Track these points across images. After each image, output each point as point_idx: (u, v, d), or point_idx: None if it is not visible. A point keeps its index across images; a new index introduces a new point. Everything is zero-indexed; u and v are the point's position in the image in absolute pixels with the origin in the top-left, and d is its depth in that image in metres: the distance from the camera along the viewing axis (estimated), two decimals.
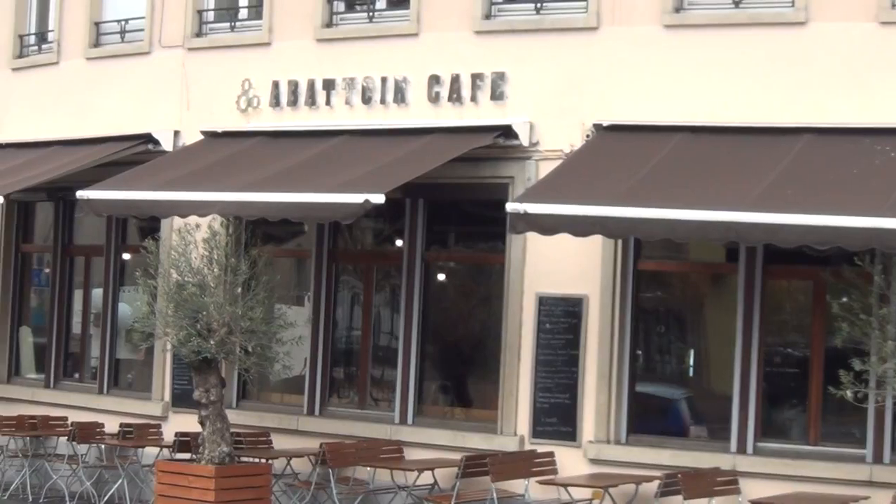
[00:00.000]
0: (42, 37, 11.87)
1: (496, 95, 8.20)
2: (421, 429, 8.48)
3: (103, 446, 9.54)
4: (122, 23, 10.69)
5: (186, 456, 8.26)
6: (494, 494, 7.13)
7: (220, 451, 7.70)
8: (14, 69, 11.64)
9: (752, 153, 7.02)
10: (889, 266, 6.40)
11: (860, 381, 5.95)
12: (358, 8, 9.41)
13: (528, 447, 7.84)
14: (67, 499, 9.17)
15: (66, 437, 9.39)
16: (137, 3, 10.51)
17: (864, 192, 6.08)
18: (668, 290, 8.78)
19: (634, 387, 7.87)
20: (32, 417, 10.00)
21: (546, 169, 7.69)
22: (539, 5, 8.20)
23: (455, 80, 8.34)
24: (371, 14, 9.09)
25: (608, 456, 7.57)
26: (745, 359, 7.38)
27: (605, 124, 7.61)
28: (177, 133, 9.88)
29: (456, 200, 8.92)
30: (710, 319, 8.44)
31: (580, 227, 6.58)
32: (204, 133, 9.53)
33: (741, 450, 7.31)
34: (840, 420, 7.26)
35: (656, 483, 6.79)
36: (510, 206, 6.75)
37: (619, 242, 7.58)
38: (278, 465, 8.47)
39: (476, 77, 8.26)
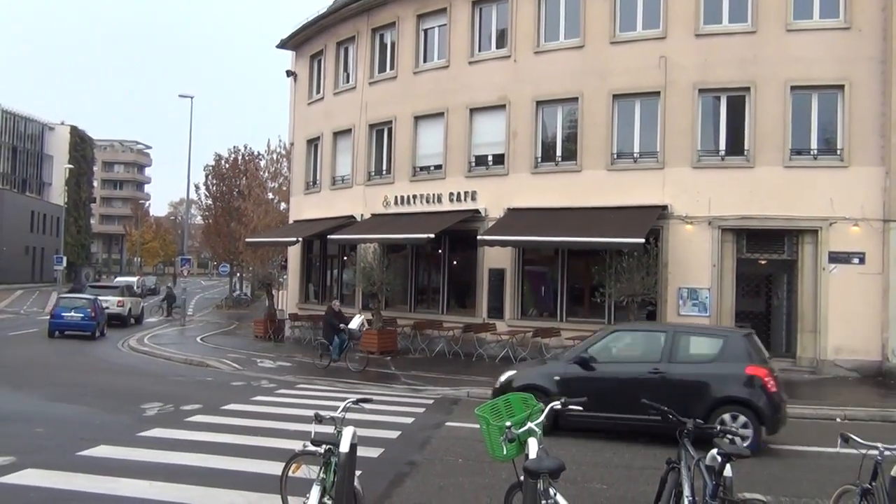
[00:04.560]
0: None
1: (475, 198, 22.53)
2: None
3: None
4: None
5: (368, 327, 22.69)
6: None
7: (379, 324, 22.09)
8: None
9: (562, 217, 21.03)
10: (613, 256, 20.26)
11: (603, 296, 19.70)
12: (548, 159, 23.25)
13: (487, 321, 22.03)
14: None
15: None
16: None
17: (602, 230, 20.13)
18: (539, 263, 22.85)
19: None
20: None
21: (490, 223, 21.90)
22: (487, 168, 22.63)
23: (461, 194, 22.72)
24: (556, 163, 22.38)
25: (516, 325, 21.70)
26: (561, 290, 21.48)
27: (511, 207, 21.78)
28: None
29: (459, 235, 23.10)
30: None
31: (501, 244, 20.72)
32: (373, 215, 24.46)
33: (561, 319, 21.31)
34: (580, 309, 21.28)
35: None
36: (479, 237, 20.96)
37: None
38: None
39: (468, 193, 22.61)
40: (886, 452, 4.91)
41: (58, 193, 76.25)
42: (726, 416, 10.14)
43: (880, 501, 4.77)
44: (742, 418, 10.09)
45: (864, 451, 4.99)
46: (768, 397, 10.17)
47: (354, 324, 18.98)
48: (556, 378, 11.09)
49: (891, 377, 17.67)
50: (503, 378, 11.65)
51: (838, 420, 13.12)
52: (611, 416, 10.67)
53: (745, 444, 8.59)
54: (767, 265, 19.95)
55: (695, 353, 11.08)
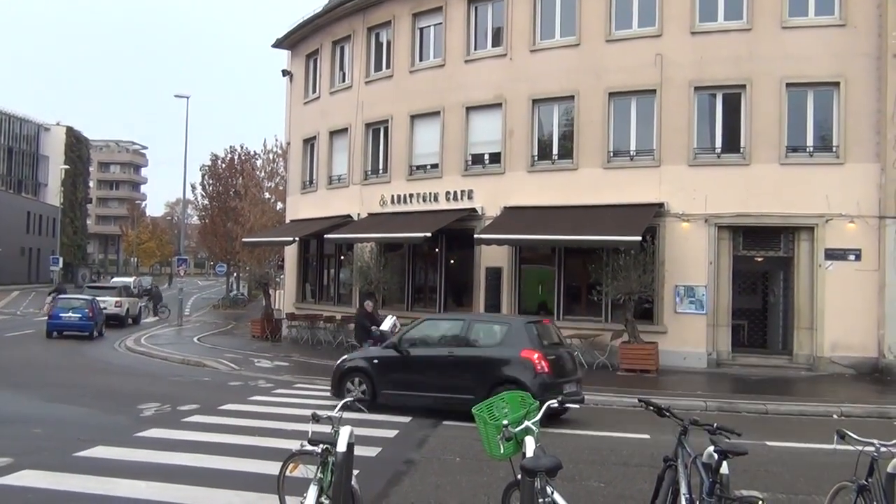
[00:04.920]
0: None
1: (471, 197, 22.52)
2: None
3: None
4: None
5: None
6: None
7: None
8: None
9: (559, 215, 21.03)
10: (610, 254, 20.25)
11: (600, 294, 19.72)
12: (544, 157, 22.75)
13: None
14: None
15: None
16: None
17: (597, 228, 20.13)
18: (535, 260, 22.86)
19: None
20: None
21: (486, 222, 21.90)
22: (483, 167, 22.62)
23: (457, 193, 22.71)
24: (553, 161, 22.17)
25: None
26: (559, 288, 21.49)
27: (508, 206, 21.79)
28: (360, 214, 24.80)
29: (456, 233, 23.09)
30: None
31: (498, 243, 20.73)
32: (370, 214, 24.42)
33: (558, 317, 21.30)
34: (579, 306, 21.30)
35: None
36: (476, 236, 20.96)
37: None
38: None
39: (465, 192, 22.60)
40: (883, 449, 4.92)
41: (54, 194, 76.19)
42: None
43: (877, 498, 4.78)
44: None
45: (860, 448, 5.00)
46: (537, 377, 11.39)
47: (387, 325, 17.39)
48: (375, 361, 13.01)
49: (887, 374, 17.71)
50: (339, 361, 13.59)
51: (835, 417, 13.14)
52: (417, 394, 12.42)
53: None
54: (764, 262, 19.98)
55: (483, 338, 12.60)
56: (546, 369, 11.50)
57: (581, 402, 5.98)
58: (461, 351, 12.29)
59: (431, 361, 12.50)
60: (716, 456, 4.85)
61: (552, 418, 11.74)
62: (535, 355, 11.58)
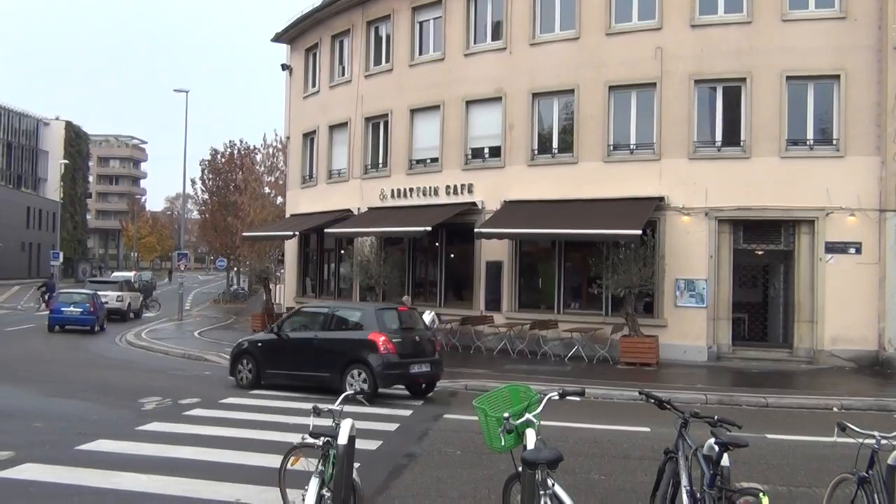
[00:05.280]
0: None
1: (471, 191, 22.50)
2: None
3: None
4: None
5: None
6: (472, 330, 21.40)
7: None
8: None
9: (559, 209, 20.99)
10: (610, 248, 20.25)
11: (600, 287, 19.73)
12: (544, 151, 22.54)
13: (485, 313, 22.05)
14: None
15: None
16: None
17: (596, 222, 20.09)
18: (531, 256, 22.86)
19: None
20: None
21: (487, 216, 21.88)
22: (483, 161, 22.58)
23: (457, 187, 22.69)
24: (553, 155, 22.24)
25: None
26: (559, 282, 21.48)
27: (508, 200, 21.76)
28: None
29: (456, 227, 23.05)
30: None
31: (499, 237, 20.71)
32: (370, 208, 24.40)
33: (558, 311, 21.34)
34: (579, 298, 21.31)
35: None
36: (476, 229, 20.94)
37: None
38: None
39: (465, 186, 22.57)
40: (883, 441, 4.93)
41: (53, 189, 76.12)
42: (354, 372, 13.17)
43: (877, 489, 4.79)
44: (363, 374, 13.07)
45: (860, 440, 5.01)
46: (381, 357, 13.01)
47: (427, 319, 17.07)
48: (259, 344, 14.86)
49: (887, 367, 17.72)
50: (235, 344, 15.64)
51: (835, 410, 13.15)
52: (290, 373, 14.11)
53: (365, 390, 12.67)
54: (764, 256, 19.98)
55: (342, 324, 14.27)
56: (391, 350, 13.08)
57: (581, 395, 5.98)
58: (324, 335, 14.01)
59: (302, 344, 14.16)
60: (716, 448, 4.85)
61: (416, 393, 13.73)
62: (381, 338, 13.11)
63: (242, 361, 14.79)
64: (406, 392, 14.32)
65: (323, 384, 13.31)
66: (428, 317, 17.28)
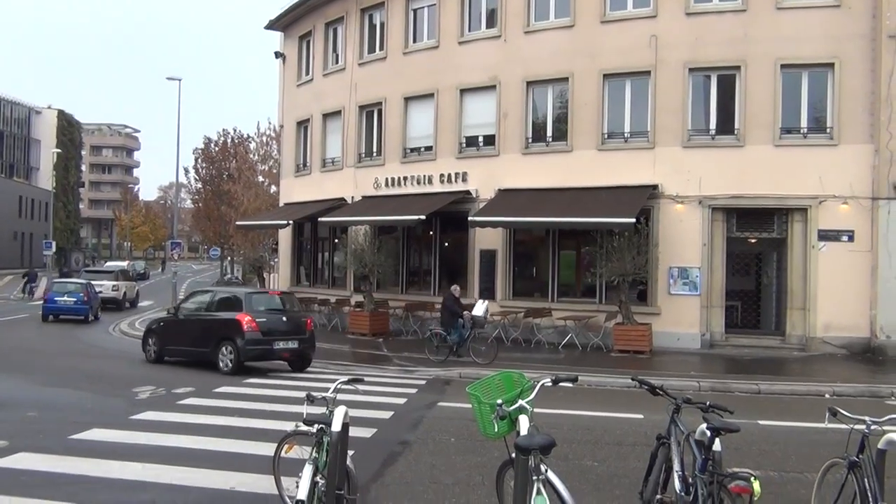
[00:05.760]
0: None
1: (465, 179, 22.48)
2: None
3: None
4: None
5: (359, 309, 22.66)
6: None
7: (371, 306, 22.12)
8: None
9: (553, 197, 21.01)
10: (604, 236, 20.26)
11: (594, 275, 19.78)
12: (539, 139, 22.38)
13: None
14: None
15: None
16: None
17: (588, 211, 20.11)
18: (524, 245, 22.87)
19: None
20: None
21: (481, 205, 21.87)
22: (478, 149, 22.54)
23: (451, 175, 22.66)
24: (547, 143, 22.12)
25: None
26: (553, 271, 21.52)
27: (502, 188, 21.75)
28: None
29: (450, 216, 23.03)
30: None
31: (493, 225, 20.70)
32: (364, 197, 24.35)
33: (552, 299, 21.37)
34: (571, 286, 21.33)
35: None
36: (470, 218, 20.93)
37: None
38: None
39: (459, 174, 22.54)
40: (873, 426, 4.96)
41: (46, 178, 75.70)
42: (224, 348, 15.13)
43: (867, 474, 4.82)
44: (231, 349, 15.02)
45: (851, 426, 5.04)
46: (245, 334, 14.91)
47: (479, 310, 17.12)
48: (161, 324, 17.30)
49: (879, 353, 17.82)
50: (147, 324, 18.64)
51: (827, 396, 13.23)
52: (182, 348, 16.27)
53: (229, 368, 14.92)
54: (757, 244, 20.04)
55: (220, 305, 16.09)
56: (254, 328, 15.00)
57: (574, 382, 6.00)
58: (205, 315, 16.12)
59: (189, 324, 16.34)
60: (708, 433, 4.88)
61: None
62: (246, 318, 15.04)
63: (149, 340, 17.11)
64: (400, 379, 14.35)
65: (203, 358, 15.62)
66: (482, 307, 16.98)
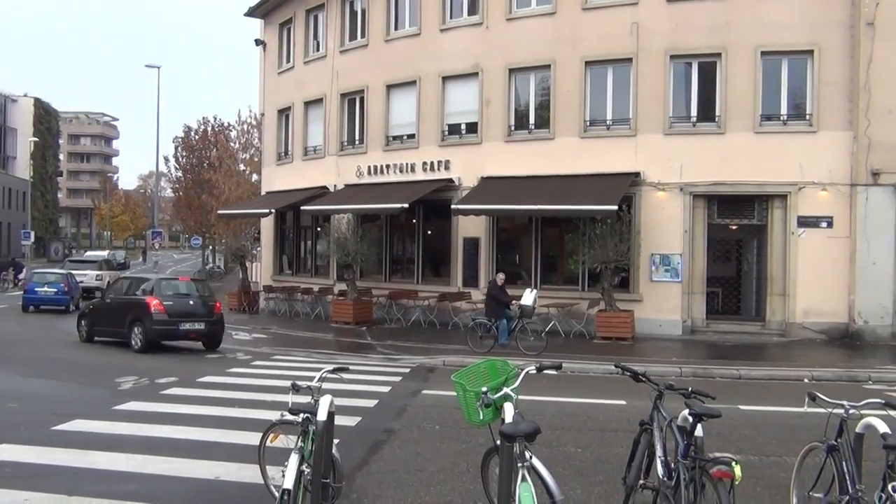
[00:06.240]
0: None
1: (448, 167, 22.47)
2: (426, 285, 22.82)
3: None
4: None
5: (342, 297, 22.60)
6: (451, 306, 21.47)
7: (354, 295, 22.10)
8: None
9: (536, 185, 21.06)
10: (587, 223, 20.31)
11: (577, 263, 19.89)
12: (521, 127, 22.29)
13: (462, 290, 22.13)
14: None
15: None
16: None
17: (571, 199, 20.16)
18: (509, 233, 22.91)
19: None
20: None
21: (463, 192, 21.87)
22: (460, 137, 22.52)
23: (434, 163, 22.63)
24: (530, 130, 21.97)
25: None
26: (536, 258, 21.58)
27: (484, 176, 21.76)
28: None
29: (433, 204, 23.01)
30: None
31: (476, 213, 20.71)
32: (347, 185, 24.23)
33: (536, 286, 21.42)
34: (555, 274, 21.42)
35: None
36: (453, 206, 20.93)
37: None
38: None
39: (441, 162, 22.52)
40: (851, 410, 5.04)
41: (23, 167, 74.71)
42: (135, 329, 16.72)
43: (845, 457, 4.90)
44: (140, 330, 16.63)
45: (830, 410, 5.12)
46: (151, 316, 16.49)
47: (528, 299, 16.45)
48: (91, 307, 19.29)
49: (857, 338, 18.07)
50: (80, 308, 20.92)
51: (806, 381, 13.42)
52: (105, 329, 17.96)
53: (139, 346, 16.62)
54: (738, 230, 20.21)
55: (135, 289, 17.81)
56: (160, 311, 16.51)
57: (558, 369, 6.03)
58: (123, 299, 17.80)
59: (112, 307, 18.03)
60: (690, 419, 4.93)
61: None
62: (154, 301, 16.59)
63: (81, 322, 18.84)
64: (384, 368, 14.40)
65: (121, 337, 17.24)
66: (530, 296, 16.64)
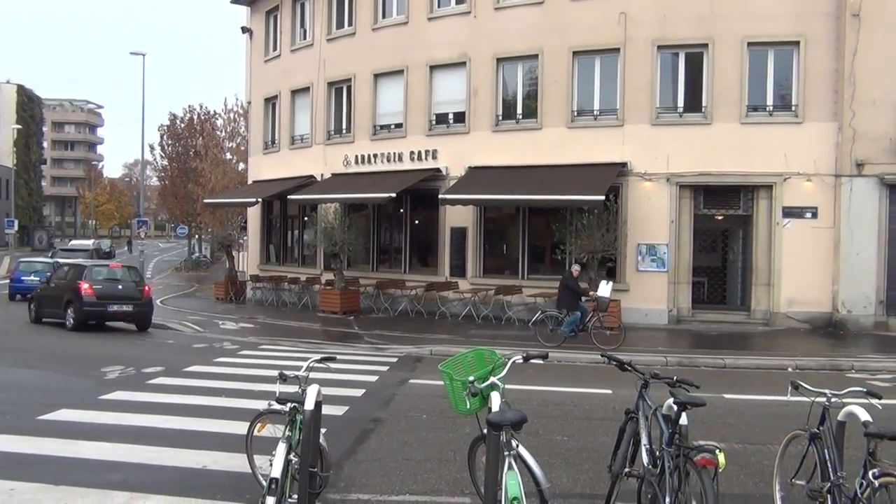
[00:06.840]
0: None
1: (435, 157, 22.44)
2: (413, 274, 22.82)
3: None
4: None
5: (329, 287, 22.57)
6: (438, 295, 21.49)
7: (341, 284, 22.07)
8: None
9: (523, 175, 21.05)
10: (574, 213, 20.39)
11: (564, 252, 19.90)
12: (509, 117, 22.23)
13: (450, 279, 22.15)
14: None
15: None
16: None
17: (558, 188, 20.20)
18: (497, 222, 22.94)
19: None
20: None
21: (451, 182, 21.87)
22: (448, 126, 22.48)
23: (421, 153, 22.60)
24: (517, 120, 21.92)
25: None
26: (524, 248, 21.62)
27: (472, 165, 21.76)
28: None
29: (421, 193, 23.00)
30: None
31: (463, 203, 20.72)
32: (335, 174, 24.16)
33: (523, 276, 21.49)
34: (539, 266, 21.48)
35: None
36: (440, 196, 20.92)
37: None
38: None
39: (429, 152, 22.49)
40: (834, 399, 5.10)
41: (6, 155, 73.99)
42: (69, 310, 18.49)
43: (827, 445, 4.97)
44: (73, 310, 18.41)
45: (813, 399, 5.18)
46: (82, 298, 18.15)
47: (605, 290, 15.86)
48: (39, 291, 21.14)
49: (840, 328, 18.26)
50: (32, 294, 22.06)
51: (789, 370, 13.55)
52: (49, 310, 19.62)
53: (71, 325, 18.41)
54: (724, 221, 20.33)
55: (73, 276, 19.23)
56: (90, 294, 18.22)
57: (545, 358, 6.06)
58: (62, 283, 19.51)
59: (53, 291, 19.89)
60: (675, 408, 4.97)
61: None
62: (85, 285, 18.28)
63: (31, 305, 20.89)
64: (371, 357, 14.42)
65: (59, 317, 18.92)
66: (607, 288, 16.29)
